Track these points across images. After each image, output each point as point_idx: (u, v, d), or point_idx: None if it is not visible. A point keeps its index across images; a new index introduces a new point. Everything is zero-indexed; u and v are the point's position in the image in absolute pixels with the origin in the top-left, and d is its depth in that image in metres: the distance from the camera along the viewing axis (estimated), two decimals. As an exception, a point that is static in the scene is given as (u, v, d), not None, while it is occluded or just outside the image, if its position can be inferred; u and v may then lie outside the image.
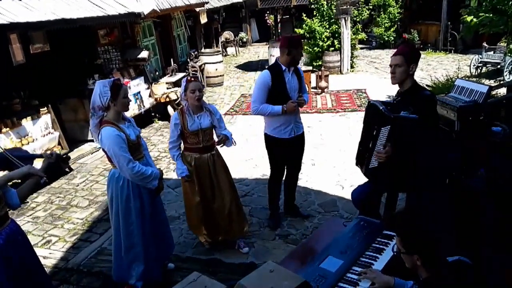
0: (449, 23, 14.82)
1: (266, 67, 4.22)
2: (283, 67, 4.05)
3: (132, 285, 3.58)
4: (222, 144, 3.93)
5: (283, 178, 4.61)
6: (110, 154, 3.17)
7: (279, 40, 13.39)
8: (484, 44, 11.29)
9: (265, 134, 4.33)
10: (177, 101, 9.29)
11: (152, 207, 3.51)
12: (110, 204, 3.46)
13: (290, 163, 4.47)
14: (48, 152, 2.86)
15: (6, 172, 5.21)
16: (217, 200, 3.98)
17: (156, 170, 3.40)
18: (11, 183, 2.59)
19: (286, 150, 4.28)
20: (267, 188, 4.64)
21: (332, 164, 6.19)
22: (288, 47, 3.98)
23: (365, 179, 3.62)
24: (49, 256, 4.41)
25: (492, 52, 11.09)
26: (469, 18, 6.83)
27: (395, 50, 3.28)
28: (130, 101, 3.40)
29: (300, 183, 5.59)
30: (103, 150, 3.28)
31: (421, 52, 15.86)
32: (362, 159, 3.38)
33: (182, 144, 3.95)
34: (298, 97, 4.16)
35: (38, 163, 2.89)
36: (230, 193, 4.03)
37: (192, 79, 3.75)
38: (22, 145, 6.05)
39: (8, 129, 5.97)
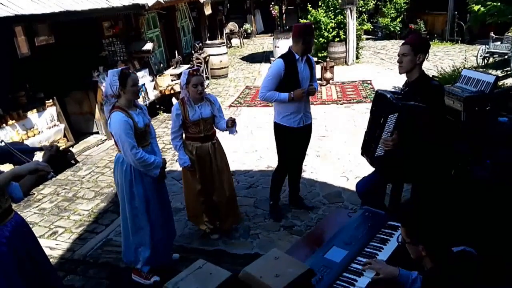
0: (456, 12, 14.67)
1: (280, 55, 4.21)
2: (297, 56, 4.05)
3: (140, 270, 3.67)
4: (229, 126, 3.91)
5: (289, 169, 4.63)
6: (116, 138, 3.26)
7: (284, 31, 13.38)
8: (491, 34, 11.17)
9: (275, 123, 4.33)
10: (182, 93, 9.28)
11: (156, 194, 3.57)
12: (117, 187, 3.57)
13: (295, 153, 4.48)
14: (48, 144, 2.88)
15: (10, 166, 5.26)
16: (217, 188, 4.06)
17: (159, 159, 3.45)
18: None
19: (294, 140, 4.29)
20: (271, 179, 4.63)
21: (337, 155, 6.18)
22: (303, 35, 3.99)
23: (370, 171, 3.61)
24: (55, 247, 4.46)
25: (499, 42, 10.97)
26: (476, 8, 6.76)
27: (401, 41, 3.27)
28: (140, 88, 3.45)
29: (305, 174, 5.59)
30: (111, 134, 3.36)
31: (427, 42, 15.43)
32: (368, 149, 3.38)
33: (183, 134, 4.00)
34: (309, 86, 4.17)
35: (36, 155, 2.91)
36: (228, 181, 4.16)
37: (195, 72, 3.73)
38: (28, 137, 6.08)
39: (14, 121, 6.00)
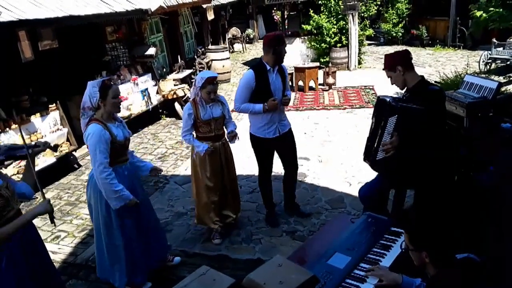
0: (458, 18, 14.69)
1: (251, 66, 4.22)
2: (268, 67, 4.02)
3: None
4: (231, 140, 4.13)
5: (283, 177, 4.63)
6: (90, 152, 3.13)
7: (286, 37, 13.43)
8: (494, 40, 11.17)
9: (250, 134, 4.33)
10: (184, 98, 9.32)
11: (136, 212, 3.44)
12: (89, 205, 3.43)
13: (284, 162, 4.47)
14: (43, 141, 2.94)
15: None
16: (227, 184, 4.25)
17: (129, 195, 3.22)
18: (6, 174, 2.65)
19: (272, 149, 4.31)
20: (260, 186, 4.61)
21: (339, 161, 6.17)
22: (273, 45, 3.93)
23: (372, 176, 3.61)
24: (58, 251, 4.46)
25: (501, 48, 10.96)
26: (478, 13, 6.77)
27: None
28: (121, 101, 3.32)
29: (307, 179, 5.60)
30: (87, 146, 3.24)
31: (429, 48, 15.52)
32: (369, 153, 3.38)
33: (194, 134, 4.12)
34: (283, 96, 4.13)
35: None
36: (233, 174, 4.38)
37: (212, 80, 3.82)
38: (31, 141, 6.09)
39: (17, 125, 6.02)
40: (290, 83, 5.89)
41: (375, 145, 3.26)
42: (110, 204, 3.21)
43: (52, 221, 2.55)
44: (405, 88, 3.32)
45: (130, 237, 3.44)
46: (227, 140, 4.18)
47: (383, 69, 3.36)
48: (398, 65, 3.21)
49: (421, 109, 2.98)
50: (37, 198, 5.64)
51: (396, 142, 3.09)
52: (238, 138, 4.21)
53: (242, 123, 8.27)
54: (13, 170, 5.53)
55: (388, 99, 3.13)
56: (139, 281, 3.57)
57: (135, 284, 3.56)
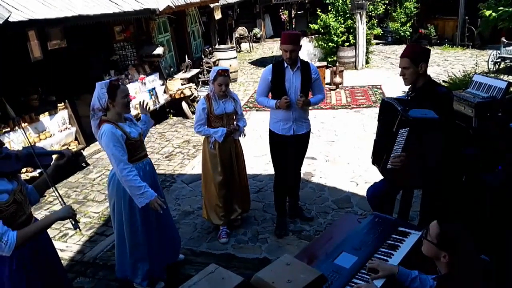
0: (466, 17, 14.58)
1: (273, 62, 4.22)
2: (285, 64, 3.97)
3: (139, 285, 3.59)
4: (231, 134, 4.14)
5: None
6: (107, 152, 3.13)
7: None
8: (503, 39, 11.08)
9: (269, 129, 4.31)
10: (192, 97, 9.34)
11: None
12: (111, 203, 3.42)
13: (288, 161, 4.33)
14: (68, 150, 2.89)
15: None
16: (236, 180, 4.32)
17: (152, 192, 3.18)
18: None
19: (284, 148, 4.20)
20: (273, 191, 4.52)
21: (346, 160, 6.16)
22: (281, 42, 3.92)
23: (380, 177, 3.59)
24: (66, 249, 4.49)
25: (511, 48, 10.86)
26: (487, 13, 6.73)
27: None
28: (130, 101, 3.28)
29: (314, 179, 5.60)
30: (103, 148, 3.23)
31: (438, 47, 15.41)
32: (379, 159, 3.30)
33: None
34: (300, 97, 3.96)
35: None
36: (245, 173, 4.48)
37: (223, 72, 3.94)
38: (40, 140, 6.15)
39: (26, 124, 6.07)
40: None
41: (385, 154, 3.15)
42: (136, 202, 3.17)
43: (77, 227, 2.49)
44: (411, 85, 3.23)
45: (152, 235, 3.48)
46: (234, 129, 4.16)
47: (402, 56, 3.14)
48: (423, 62, 3.07)
49: (434, 119, 2.86)
50: (45, 196, 5.71)
51: (405, 161, 2.99)
52: (244, 135, 4.30)
53: (249, 123, 8.28)
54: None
55: (399, 108, 2.99)
56: (158, 276, 3.64)
57: (154, 279, 3.62)
